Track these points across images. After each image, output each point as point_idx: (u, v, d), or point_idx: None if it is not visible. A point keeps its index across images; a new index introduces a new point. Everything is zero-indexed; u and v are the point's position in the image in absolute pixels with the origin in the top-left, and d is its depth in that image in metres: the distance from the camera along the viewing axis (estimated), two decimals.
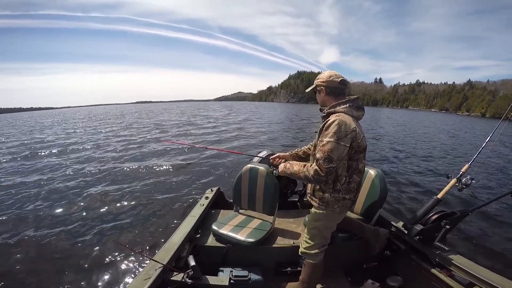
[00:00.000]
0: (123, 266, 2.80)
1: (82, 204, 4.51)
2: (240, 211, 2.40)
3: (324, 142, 1.32)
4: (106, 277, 2.66)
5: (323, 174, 1.32)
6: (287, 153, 1.90)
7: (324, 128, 1.36)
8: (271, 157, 1.91)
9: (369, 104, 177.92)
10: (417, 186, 5.69)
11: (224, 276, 1.76)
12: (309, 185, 1.64)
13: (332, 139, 1.30)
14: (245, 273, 1.85)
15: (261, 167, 2.17)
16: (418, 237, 1.79)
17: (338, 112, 1.40)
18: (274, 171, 1.77)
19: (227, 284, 1.57)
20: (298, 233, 2.15)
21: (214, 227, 2.05)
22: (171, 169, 6.59)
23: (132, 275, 2.64)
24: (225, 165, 6.94)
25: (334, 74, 1.47)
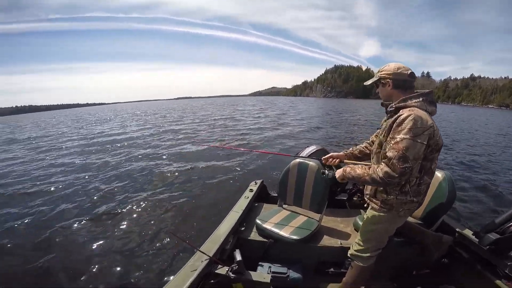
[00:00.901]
0: (171, 254, 2.96)
1: (139, 192, 4.96)
2: (284, 206, 2.34)
3: (398, 139, 1.17)
4: (155, 265, 2.82)
5: (396, 175, 1.17)
6: (340, 153, 1.75)
7: (396, 124, 1.21)
8: (323, 157, 1.78)
9: None
10: (487, 191, 5.14)
11: (263, 271, 1.77)
12: (369, 186, 1.49)
13: (408, 136, 1.16)
14: (284, 269, 1.82)
15: (312, 162, 2.08)
16: (489, 246, 1.65)
17: (411, 107, 1.25)
18: (327, 173, 1.65)
19: (269, 281, 1.51)
20: (347, 234, 2.06)
21: (257, 221, 2.03)
22: (216, 163, 6.76)
23: (177, 263, 2.75)
24: (268, 158, 6.98)
25: (402, 66, 1.34)
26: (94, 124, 22.80)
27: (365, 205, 2.17)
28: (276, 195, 2.65)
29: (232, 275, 1.45)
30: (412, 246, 1.87)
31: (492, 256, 1.65)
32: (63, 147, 11.19)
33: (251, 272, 1.54)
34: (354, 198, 2.57)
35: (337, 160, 1.72)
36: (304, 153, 2.50)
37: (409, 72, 1.33)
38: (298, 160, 2.18)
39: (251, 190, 2.56)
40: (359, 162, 1.63)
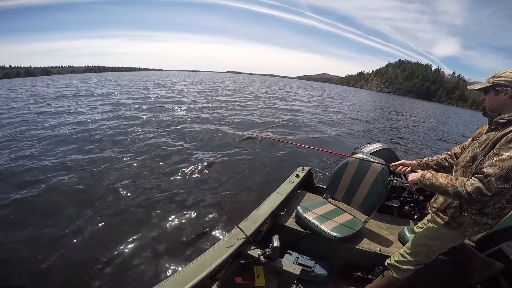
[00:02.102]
0: (211, 223, 3.03)
1: (193, 164, 4.86)
2: (329, 200, 2.23)
3: (505, 156, 1.05)
4: (193, 229, 2.91)
5: (489, 194, 1.05)
6: (413, 162, 1.59)
7: (506, 139, 1.08)
8: (393, 164, 1.62)
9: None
10: None
11: (290, 260, 1.76)
12: (440, 199, 1.40)
13: None
14: (311, 263, 1.78)
15: (376, 162, 1.90)
16: None
17: None
18: (395, 182, 1.58)
19: (298, 273, 1.46)
20: (389, 242, 1.94)
21: (299, 209, 1.95)
22: (267, 144, 6.48)
23: (215, 233, 2.83)
24: (319, 154, 6.65)
25: None
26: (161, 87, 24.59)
27: (415, 217, 2.20)
28: (322, 186, 2.61)
29: (263, 260, 1.39)
30: (452, 265, 1.76)
31: None
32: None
33: (283, 261, 1.49)
34: (405, 207, 2.41)
35: (409, 169, 1.56)
36: (366, 150, 2.29)
37: None
38: (360, 156, 2.00)
39: (297, 176, 2.45)
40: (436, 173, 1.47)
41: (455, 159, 1.49)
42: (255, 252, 1.45)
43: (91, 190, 3.66)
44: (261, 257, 1.40)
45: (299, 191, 2.43)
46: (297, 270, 1.46)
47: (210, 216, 3.20)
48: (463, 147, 1.48)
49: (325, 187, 2.34)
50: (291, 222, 1.99)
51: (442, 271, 1.81)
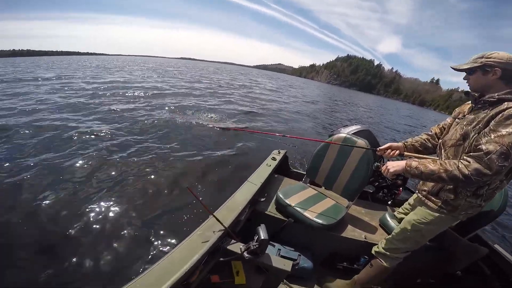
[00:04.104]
0: (183, 212, 2.65)
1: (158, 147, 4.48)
2: (308, 184, 2.08)
3: (504, 132, 1.03)
4: (167, 221, 2.53)
5: (490, 173, 1.03)
6: (399, 144, 1.52)
7: (503, 116, 1.07)
8: (380, 148, 1.53)
9: (415, 103, 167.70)
10: None
11: (272, 252, 1.53)
12: (429, 182, 1.34)
13: None
14: (294, 255, 1.61)
15: (360, 140, 1.77)
16: None
17: None
18: (377, 165, 1.50)
19: (289, 270, 1.26)
20: (373, 228, 1.85)
21: (279, 194, 1.77)
22: (239, 135, 6.08)
23: (188, 223, 2.50)
24: (293, 130, 6.78)
25: None
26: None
27: (389, 202, 2.25)
28: (299, 171, 2.47)
29: (248, 256, 1.14)
30: (436, 251, 1.71)
31: None
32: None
33: (268, 255, 1.25)
34: (379, 193, 2.35)
35: (397, 152, 1.48)
36: (347, 130, 2.15)
37: None
38: (343, 135, 1.85)
39: (273, 159, 2.27)
40: (422, 156, 1.42)
41: (436, 139, 1.47)
42: (236, 246, 1.20)
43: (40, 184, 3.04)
44: (245, 253, 1.15)
45: (276, 175, 2.25)
46: (287, 266, 1.24)
47: (177, 204, 2.79)
48: (442, 126, 1.46)
49: (303, 172, 2.23)
50: (272, 210, 1.78)
51: (426, 257, 1.73)
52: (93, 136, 4.82)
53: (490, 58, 1.16)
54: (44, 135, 4.68)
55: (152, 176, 3.40)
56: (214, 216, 1.20)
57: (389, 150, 1.50)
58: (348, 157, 1.82)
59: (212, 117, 7.59)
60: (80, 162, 3.67)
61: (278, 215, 1.74)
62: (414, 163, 1.20)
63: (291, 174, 2.45)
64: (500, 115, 1.06)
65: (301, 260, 1.60)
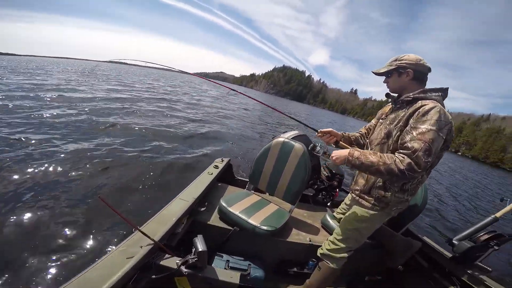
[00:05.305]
0: (101, 228, 2.17)
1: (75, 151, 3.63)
2: (252, 191, 2.04)
3: (423, 129, 1.04)
4: (83, 238, 2.03)
5: (419, 170, 1.03)
6: (339, 133, 1.53)
7: (419, 113, 1.09)
8: (320, 130, 1.53)
9: (338, 111, 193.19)
10: (447, 204, 5.71)
11: (220, 265, 1.44)
12: (361, 181, 1.38)
13: (434, 127, 1.04)
14: (245, 264, 1.50)
15: (298, 144, 1.80)
16: (456, 254, 1.62)
17: (431, 99, 1.15)
18: (319, 149, 1.54)
19: (238, 282, 1.16)
20: (316, 230, 1.84)
21: (222, 203, 1.66)
22: (178, 132, 5.71)
23: (113, 245, 2.03)
24: (237, 138, 6.36)
25: (423, 59, 1.23)
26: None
27: (328, 204, 2.34)
28: (243, 179, 2.47)
29: (186, 270, 1.05)
30: (379, 249, 1.76)
31: (453, 265, 1.64)
32: None
33: (213, 267, 1.15)
34: (319, 195, 2.42)
35: (334, 139, 1.50)
36: (287, 135, 2.19)
37: (428, 65, 1.24)
38: (281, 139, 1.88)
39: (216, 167, 2.20)
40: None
41: (365, 138, 1.55)
42: (171, 261, 1.09)
43: None
44: (182, 267, 1.05)
45: (219, 184, 2.17)
46: (235, 278, 1.17)
47: (97, 219, 2.26)
48: (369, 127, 1.54)
49: (247, 179, 2.21)
50: (214, 219, 1.65)
51: (370, 255, 1.79)
52: None
53: (402, 60, 1.24)
54: None
55: (69, 185, 2.78)
56: (139, 230, 1.09)
57: (328, 134, 1.51)
58: (287, 160, 1.84)
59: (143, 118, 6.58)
60: None
61: (223, 225, 1.63)
62: (356, 153, 1.18)
63: (236, 182, 2.43)
64: (417, 113, 1.11)
65: (252, 269, 1.49)
